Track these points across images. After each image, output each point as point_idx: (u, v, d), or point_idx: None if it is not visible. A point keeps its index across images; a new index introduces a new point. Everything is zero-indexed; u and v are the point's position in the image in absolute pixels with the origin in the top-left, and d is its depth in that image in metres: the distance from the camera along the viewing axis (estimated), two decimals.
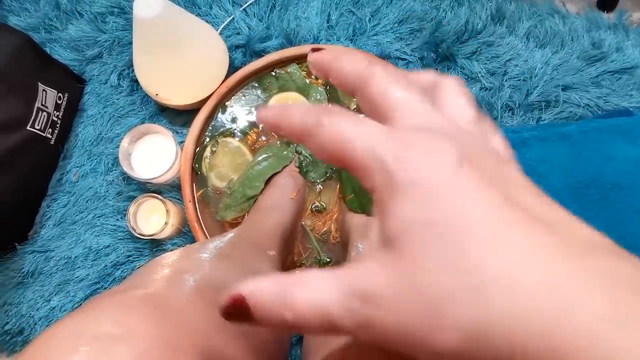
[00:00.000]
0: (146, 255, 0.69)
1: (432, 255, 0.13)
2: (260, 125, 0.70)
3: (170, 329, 0.22)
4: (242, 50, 0.75)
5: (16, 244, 0.70)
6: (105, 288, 0.69)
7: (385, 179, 0.15)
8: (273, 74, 0.71)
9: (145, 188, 0.71)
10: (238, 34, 0.76)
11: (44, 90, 0.67)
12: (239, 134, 0.70)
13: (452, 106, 0.18)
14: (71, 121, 0.75)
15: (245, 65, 0.71)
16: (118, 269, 0.69)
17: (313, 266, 0.65)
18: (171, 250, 0.67)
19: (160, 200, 0.65)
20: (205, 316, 0.26)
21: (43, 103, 0.67)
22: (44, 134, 0.68)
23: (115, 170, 0.72)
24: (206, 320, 0.26)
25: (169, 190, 0.71)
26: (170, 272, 0.31)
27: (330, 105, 0.17)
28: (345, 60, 0.18)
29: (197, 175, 0.68)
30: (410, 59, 0.74)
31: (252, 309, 0.16)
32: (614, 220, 0.65)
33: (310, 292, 0.15)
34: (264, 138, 0.69)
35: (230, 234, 0.49)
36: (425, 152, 0.14)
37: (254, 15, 0.76)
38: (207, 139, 0.70)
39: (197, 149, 0.69)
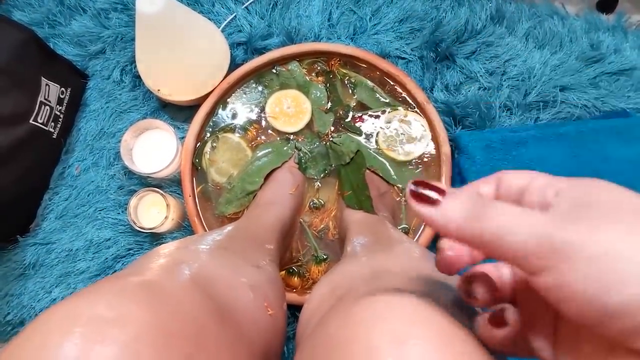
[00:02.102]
0: (146, 249, 0.70)
1: None
2: (263, 123, 0.71)
3: (164, 315, 0.23)
4: (243, 47, 0.76)
5: (18, 236, 0.71)
6: None
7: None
8: (274, 71, 0.72)
9: (146, 182, 0.72)
10: (240, 31, 0.76)
11: (47, 84, 0.67)
12: (239, 130, 0.70)
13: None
14: (74, 116, 0.75)
15: (246, 62, 0.72)
16: (119, 262, 0.70)
17: (310, 263, 0.66)
18: None
19: (161, 194, 0.65)
20: (199, 304, 0.27)
21: (46, 97, 0.67)
22: (46, 128, 0.68)
23: (116, 164, 0.73)
24: (200, 309, 0.26)
25: (170, 184, 0.71)
26: (167, 261, 0.32)
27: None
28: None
29: (198, 170, 0.69)
30: (410, 58, 0.74)
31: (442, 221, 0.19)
32: None
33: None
34: (263, 137, 0.70)
35: (229, 227, 0.50)
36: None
37: (256, 13, 0.77)
38: (208, 135, 0.70)
39: (198, 145, 0.69)
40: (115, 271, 0.70)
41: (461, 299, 0.28)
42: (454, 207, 0.19)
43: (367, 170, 0.66)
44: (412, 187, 0.20)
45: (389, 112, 0.69)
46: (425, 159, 0.68)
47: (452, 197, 0.20)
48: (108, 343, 0.20)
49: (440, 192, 0.20)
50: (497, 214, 0.18)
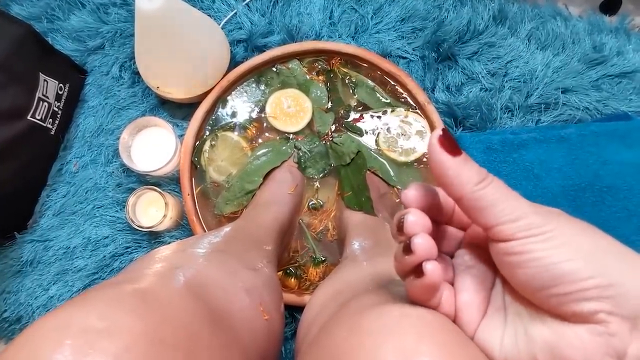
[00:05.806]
0: (144, 247, 0.70)
1: None
2: (263, 122, 0.70)
3: (156, 324, 0.23)
4: (243, 45, 0.75)
5: (16, 232, 0.70)
6: (103, 279, 0.70)
7: None
8: (274, 69, 0.72)
9: (145, 180, 0.71)
10: (240, 28, 0.76)
11: (45, 80, 0.67)
12: (239, 128, 0.70)
13: None
14: (72, 112, 0.75)
15: (246, 60, 0.71)
16: (116, 260, 0.69)
17: (308, 264, 0.66)
18: (169, 242, 0.68)
19: (159, 192, 0.65)
20: (193, 311, 0.27)
21: (44, 93, 0.67)
22: (44, 124, 0.68)
23: (115, 161, 0.73)
24: (193, 315, 0.26)
25: (168, 183, 0.71)
26: (163, 266, 0.31)
27: None
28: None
29: (196, 168, 0.69)
30: (412, 58, 0.74)
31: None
32: (609, 223, 0.65)
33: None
34: (260, 140, 0.69)
35: (226, 229, 0.49)
36: None
37: (257, 10, 0.76)
38: (207, 133, 0.70)
39: (197, 143, 0.69)
40: (113, 269, 0.70)
41: None
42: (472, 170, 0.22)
43: (368, 171, 0.66)
44: (440, 133, 0.22)
45: (389, 112, 0.69)
46: (425, 160, 0.67)
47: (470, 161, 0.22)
48: (98, 355, 0.20)
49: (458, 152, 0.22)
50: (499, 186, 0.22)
